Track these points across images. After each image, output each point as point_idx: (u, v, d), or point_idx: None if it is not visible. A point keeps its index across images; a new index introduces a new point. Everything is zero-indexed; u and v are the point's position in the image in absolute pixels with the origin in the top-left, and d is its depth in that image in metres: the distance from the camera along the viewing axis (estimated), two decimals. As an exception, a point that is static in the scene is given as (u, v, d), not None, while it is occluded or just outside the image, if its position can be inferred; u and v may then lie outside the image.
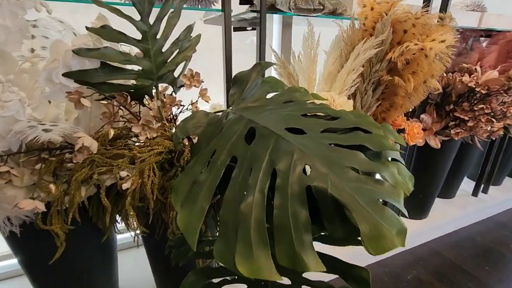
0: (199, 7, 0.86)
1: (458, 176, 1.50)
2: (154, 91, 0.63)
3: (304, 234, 0.33)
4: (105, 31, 0.54)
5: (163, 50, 0.60)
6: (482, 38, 1.44)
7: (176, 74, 0.66)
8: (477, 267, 1.30)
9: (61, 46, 0.51)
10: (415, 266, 1.28)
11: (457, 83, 1.03)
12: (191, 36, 0.64)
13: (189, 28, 0.64)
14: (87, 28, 0.54)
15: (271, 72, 1.21)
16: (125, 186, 0.52)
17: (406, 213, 0.37)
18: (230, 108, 0.61)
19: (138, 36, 0.57)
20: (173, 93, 0.69)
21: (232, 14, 0.83)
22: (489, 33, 1.38)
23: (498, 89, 0.97)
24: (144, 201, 0.57)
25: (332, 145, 0.42)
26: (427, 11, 0.81)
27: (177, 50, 0.63)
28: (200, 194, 0.41)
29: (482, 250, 1.40)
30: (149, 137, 0.58)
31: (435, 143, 1.12)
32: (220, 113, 0.60)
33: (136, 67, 0.60)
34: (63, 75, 0.51)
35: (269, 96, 0.63)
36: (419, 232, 1.37)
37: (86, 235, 0.69)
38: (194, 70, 0.64)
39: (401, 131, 1.02)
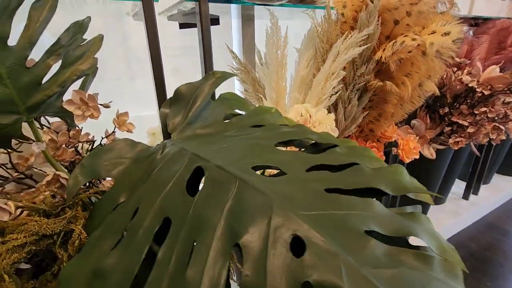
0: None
1: (449, 180, 1.36)
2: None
3: None
4: None
5: (29, 64, 0.37)
6: (464, 28, 1.29)
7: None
8: (479, 284, 1.17)
9: None
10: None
11: (454, 82, 0.86)
12: (84, 40, 0.41)
13: (79, 26, 0.40)
14: None
15: (233, 81, 0.99)
16: None
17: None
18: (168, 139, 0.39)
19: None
20: (69, 127, 0.46)
21: (164, 6, 0.60)
22: (476, 22, 1.24)
23: (503, 89, 0.81)
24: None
25: (326, 191, 0.26)
26: (422, -6, 0.62)
27: (59, 63, 0.39)
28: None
29: (480, 262, 1.28)
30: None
31: (429, 152, 0.96)
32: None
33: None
34: None
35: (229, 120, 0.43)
36: (412, 249, 1.22)
37: None
38: (87, 92, 0.41)
39: (392, 145, 0.84)
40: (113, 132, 0.51)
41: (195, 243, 0.23)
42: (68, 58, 0.40)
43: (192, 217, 0.24)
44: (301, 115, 0.66)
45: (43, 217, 0.36)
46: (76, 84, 0.46)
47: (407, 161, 0.80)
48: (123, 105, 0.52)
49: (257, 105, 0.83)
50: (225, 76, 0.45)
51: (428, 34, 0.61)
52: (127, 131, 0.50)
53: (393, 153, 0.84)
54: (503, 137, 0.89)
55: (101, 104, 0.41)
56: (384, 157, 0.84)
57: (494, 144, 0.96)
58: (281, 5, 0.73)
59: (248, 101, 0.51)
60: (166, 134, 0.38)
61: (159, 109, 0.68)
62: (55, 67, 0.40)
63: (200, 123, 0.39)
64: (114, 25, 0.77)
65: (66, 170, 0.49)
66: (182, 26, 0.82)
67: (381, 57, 0.62)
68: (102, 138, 0.51)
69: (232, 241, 0.22)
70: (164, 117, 0.39)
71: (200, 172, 0.30)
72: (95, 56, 0.44)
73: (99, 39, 0.43)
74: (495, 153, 1.53)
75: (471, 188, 1.51)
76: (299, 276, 0.19)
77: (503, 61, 0.89)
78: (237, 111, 0.51)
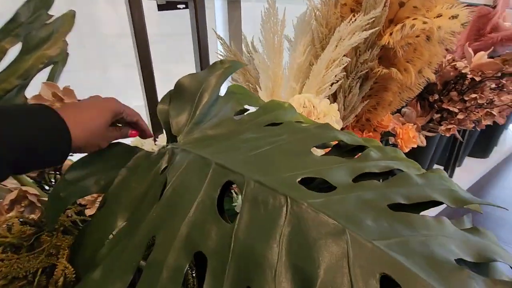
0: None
1: (431, 166, 1.41)
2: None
3: None
4: None
5: (-26, 48, 0.27)
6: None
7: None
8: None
9: None
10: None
11: (447, 69, 0.85)
12: (50, 17, 0.32)
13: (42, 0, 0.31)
14: None
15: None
16: None
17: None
18: (171, 143, 0.31)
19: None
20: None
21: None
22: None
23: (493, 75, 0.82)
24: None
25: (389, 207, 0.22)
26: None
27: (19, 47, 0.30)
28: None
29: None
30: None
31: (420, 140, 0.95)
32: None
33: None
34: None
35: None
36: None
37: None
38: (59, 85, 0.32)
39: (390, 134, 0.82)
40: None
41: None
42: (31, 41, 0.30)
43: (237, 253, 0.18)
44: (304, 106, 0.61)
45: (10, 252, 0.27)
46: (41, 76, 0.37)
47: (406, 150, 0.79)
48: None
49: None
50: (234, 66, 0.38)
51: (434, 18, 0.58)
52: (110, 131, 0.42)
53: (391, 143, 0.82)
54: (489, 122, 0.91)
55: (79, 100, 0.33)
56: (381, 147, 0.82)
57: (475, 129, 0.99)
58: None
59: (255, 94, 0.44)
60: (169, 135, 0.31)
61: (147, 103, 0.59)
62: (13, 53, 0.31)
63: (209, 122, 0.32)
64: (79, 5, 0.64)
65: (33, 182, 0.39)
66: (162, 7, 0.72)
67: (387, 42, 0.58)
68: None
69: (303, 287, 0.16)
70: (164, 115, 0.31)
71: (224, 187, 0.23)
72: (65, 39, 0.34)
73: (70, 16, 0.34)
74: (468, 137, 1.60)
75: (448, 172, 1.58)
76: None
77: (491, 48, 0.90)
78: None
